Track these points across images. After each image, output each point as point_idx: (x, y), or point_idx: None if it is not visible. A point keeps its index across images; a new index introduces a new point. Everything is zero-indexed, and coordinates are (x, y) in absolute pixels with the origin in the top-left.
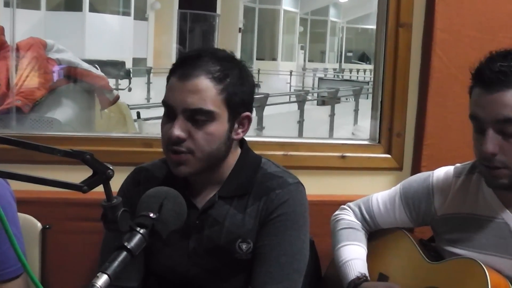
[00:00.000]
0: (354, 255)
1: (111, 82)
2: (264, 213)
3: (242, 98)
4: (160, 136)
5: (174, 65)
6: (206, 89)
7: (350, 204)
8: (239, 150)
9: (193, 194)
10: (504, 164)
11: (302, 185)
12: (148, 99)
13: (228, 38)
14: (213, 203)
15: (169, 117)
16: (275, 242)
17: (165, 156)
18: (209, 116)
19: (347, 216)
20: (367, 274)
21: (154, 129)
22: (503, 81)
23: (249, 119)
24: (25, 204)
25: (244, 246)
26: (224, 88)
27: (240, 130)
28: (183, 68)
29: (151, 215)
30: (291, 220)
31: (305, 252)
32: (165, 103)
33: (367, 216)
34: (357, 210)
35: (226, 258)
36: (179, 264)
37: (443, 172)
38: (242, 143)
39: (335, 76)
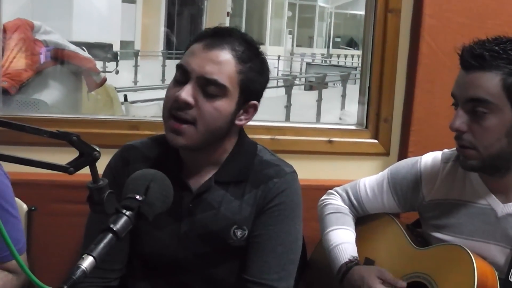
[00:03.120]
0: (344, 239)
1: (98, 64)
2: (262, 202)
3: (257, 88)
4: (148, 118)
5: (201, 33)
6: (227, 64)
7: (337, 189)
8: (237, 135)
9: (187, 176)
10: (472, 144)
11: (297, 174)
12: (135, 82)
13: (216, 22)
14: (209, 187)
15: (179, 82)
16: (272, 231)
17: (164, 123)
18: (221, 91)
19: (335, 201)
20: (358, 258)
21: (141, 112)
22: (480, 63)
23: (255, 108)
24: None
25: (239, 233)
26: (244, 70)
27: (243, 117)
28: (211, 38)
29: (138, 197)
30: (288, 210)
31: (299, 243)
32: (180, 66)
33: (354, 201)
34: (344, 195)
35: (219, 244)
36: (168, 247)
37: (431, 157)
38: (240, 129)
39: (323, 61)
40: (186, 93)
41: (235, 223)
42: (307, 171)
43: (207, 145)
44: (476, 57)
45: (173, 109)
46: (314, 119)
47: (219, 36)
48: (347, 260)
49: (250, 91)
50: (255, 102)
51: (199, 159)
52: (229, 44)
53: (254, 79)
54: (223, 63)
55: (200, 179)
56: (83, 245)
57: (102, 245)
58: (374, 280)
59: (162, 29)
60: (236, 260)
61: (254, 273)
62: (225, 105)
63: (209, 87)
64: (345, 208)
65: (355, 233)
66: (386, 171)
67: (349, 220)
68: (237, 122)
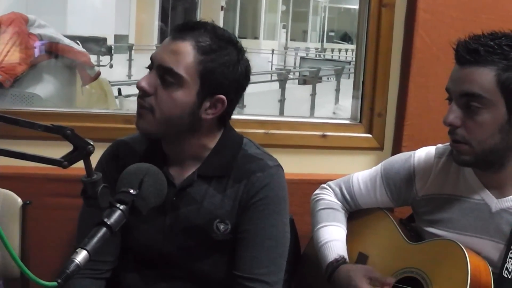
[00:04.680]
0: (334, 236)
1: (93, 58)
2: (245, 196)
3: (222, 81)
4: None
5: (173, 27)
6: (186, 54)
7: (330, 183)
8: (221, 131)
9: (171, 170)
10: (465, 139)
11: (282, 167)
12: (129, 75)
13: (210, 16)
14: (192, 181)
15: (149, 72)
16: (259, 226)
17: None
18: (177, 80)
19: (327, 196)
20: (346, 256)
21: (135, 106)
22: (475, 58)
23: (223, 103)
24: (6, 180)
25: (222, 227)
26: (205, 61)
27: (210, 111)
28: (178, 31)
29: (131, 191)
30: (273, 204)
31: (287, 236)
32: (150, 57)
33: (347, 196)
34: (337, 189)
35: (202, 238)
36: (154, 240)
37: (424, 152)
38: (225, 123)
39: (317, 55)
40: (144, 80)
41: (218, 217)
42: (301, 165)
43: (169, 135)
44: (471, 52)
45: (138, 96)
46: (308, 113)
47: (185, 29)
48: (333, 259)
49: (213, 83)
50: (222, 96)
51: (179, 153)
52: (193, 36)
53: (217, 71)
54: (181, 53)
55: (183, 174)
56: (77, 238)
57: (96, 239)
58: (361, 279)
59: (156, 23)
60: (221, 254)
61: (244, 269)
62: (181, 95)
63: (166, 76)
64: (338, 204)
65: (346, 229)
66: (379, 165)
67: (341, 216)
68: (203, 116)
